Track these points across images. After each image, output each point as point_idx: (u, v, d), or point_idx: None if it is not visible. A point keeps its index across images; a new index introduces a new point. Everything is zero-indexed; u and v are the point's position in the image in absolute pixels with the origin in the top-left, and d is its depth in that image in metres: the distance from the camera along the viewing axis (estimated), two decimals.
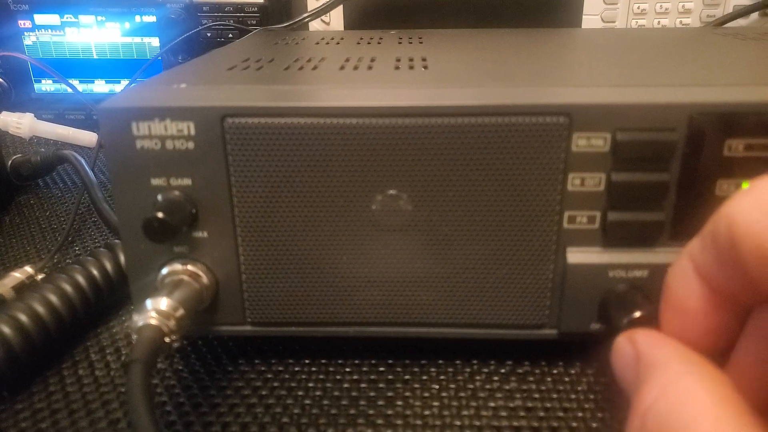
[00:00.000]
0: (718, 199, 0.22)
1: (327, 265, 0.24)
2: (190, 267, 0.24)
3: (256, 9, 0.60)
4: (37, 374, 0.26)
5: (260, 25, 0.59)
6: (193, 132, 0.22)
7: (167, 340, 0.21)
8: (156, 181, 0.23)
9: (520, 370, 0.26)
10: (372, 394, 0.25)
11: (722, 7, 0.58)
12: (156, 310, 0.21)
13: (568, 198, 0.23)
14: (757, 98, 0.21)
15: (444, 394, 0.25)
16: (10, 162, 0.44)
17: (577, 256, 0.23)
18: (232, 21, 0.60)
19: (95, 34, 0.61)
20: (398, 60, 0.32)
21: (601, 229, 0.23)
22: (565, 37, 0.43)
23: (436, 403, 0.24)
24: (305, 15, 0.56)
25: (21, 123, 0.56)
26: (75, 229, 0.41)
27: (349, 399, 0.25)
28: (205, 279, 0.24)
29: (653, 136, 0.21)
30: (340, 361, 0.27)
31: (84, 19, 0.60)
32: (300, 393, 0.25)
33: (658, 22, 0.60)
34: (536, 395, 0.25)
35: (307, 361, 0.27)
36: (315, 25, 0.61)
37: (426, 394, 0.25)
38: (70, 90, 0.60)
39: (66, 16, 0.60)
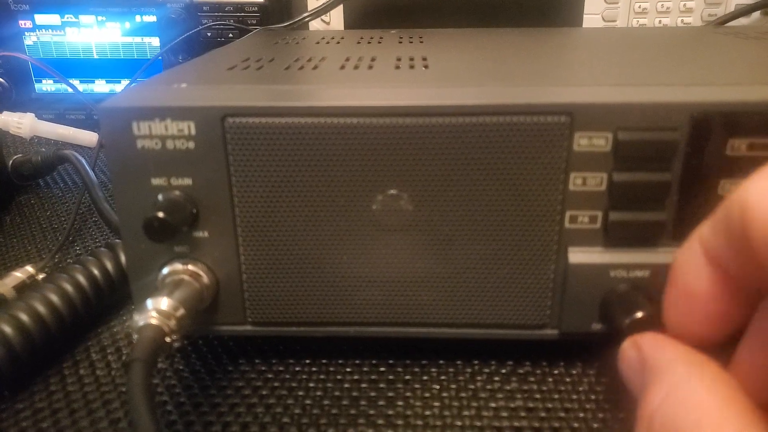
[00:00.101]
0: (720, 199, 0.22)
1: (327, 265, 0.24)
2: (190, 267, 0.24)
3: (256, 8, 0.60)
4: (38, 374, 0.26)
5: (260, 25, 0.59)
6: (193, 132, 0.22)
7: (168, 339, 0.21)
8: (156, 181, 0.23)
9: (521, 371, 0.26)
10: (373, 394, 0.25)
11: (724, 6, 0.58)
12: (157, 310, 0.21)
13: (570, 198, 0.23)
14: (759, 97, 0.21)
15: (445, 395, 0.25)
16: (11, 162, 0.44)
17: (578, 256, 0.23)
18: (232, 21, 0.60)
19: (96, 34, 0.61)
20: (399, 59, 0.32)
21: (602, 229, 0.23)
22: (566, 37, 0.43)
23: (437, 404, 0.24)
24: (305, 14, 0.56)
25: (22, 123, 0.56)
26: (76, 228, 0.41)
27: (350, 399, 0.25)
28: (205, 279, 0.24)
29: (655, 136, 0.21)
30: (340, 361, 0.27)
31: (84, 19, 0.60)
32: (301, 393, 0.25)
33: (660, 21, 0.60)
34: (537, 396, 0.25)
35: (307, 361, 0.27)
36: (315, 25, 0.61)
37: (427, 395, 0.25)
38: (70, 90, 0.60)
39: (66, 16, 0.60)
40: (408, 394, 0.25)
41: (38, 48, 0.61)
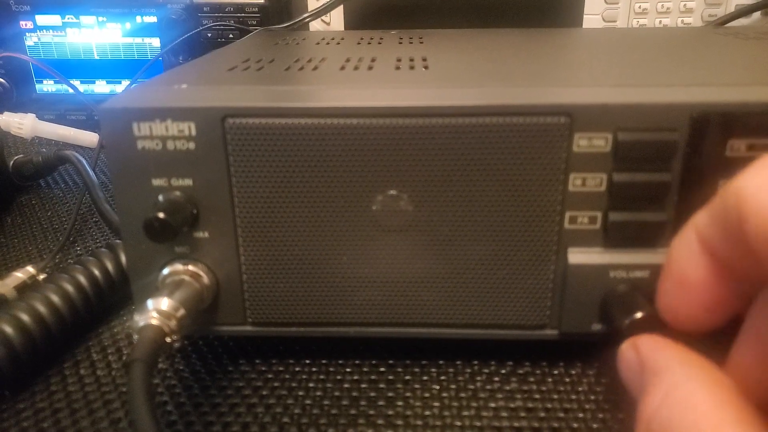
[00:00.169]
0: None
1: (327, 266, 0.24)
2: (191, 267, 0.24)
3: (256, 9, 0.60)
4: (39, 374, 0.27)
5: (261, 26, 0.59)
6: (194, 132, 0.22)
7: (168, 340, 0.21)
8: (157, 182, 0.23)
9: (520, 371, 0.26)
10: (373, 394, 0.25)
11: (724, 6, 0.58)
12: (157, 310, 0.21)
13: (570, 198, 0.23)
14: (759, 98, 0.21)
15: (445, 395, 0.25)
16: (12, 162, 0.44)
17: (578, 256, 0.23)
18: (232, 21, 0.60)
19: (96, 35, 0.61)
20: (399, 60, 0.32)
21: (602, 230, 0.23)
22: (566, 37, 0.43)
23: (436, 404, 0.24)
24: (305, 15, 0.56)
25: (23, 123, 0.56)
26: (76, 229, 0.41)
27: (350, 399, 0.25)
28: (206, 279, 0.24)
29: (655, 136, 0.21)
30: (340, 362, 0.27)
31: (85, 19, 0.60)
32: (301, 393, 0.25)
33: (660, 22, 0.60)
34: (537, 396, 0.25)
35: (307, 362, 0.27)
36: (315, 25, 0.61)
37: (427, 395, 0.25)
38: (71, 90, 0.60)
39: (67, 16, 0.60)
40: (408, 394, 0.25)
41: (39, 49, 0.62)
